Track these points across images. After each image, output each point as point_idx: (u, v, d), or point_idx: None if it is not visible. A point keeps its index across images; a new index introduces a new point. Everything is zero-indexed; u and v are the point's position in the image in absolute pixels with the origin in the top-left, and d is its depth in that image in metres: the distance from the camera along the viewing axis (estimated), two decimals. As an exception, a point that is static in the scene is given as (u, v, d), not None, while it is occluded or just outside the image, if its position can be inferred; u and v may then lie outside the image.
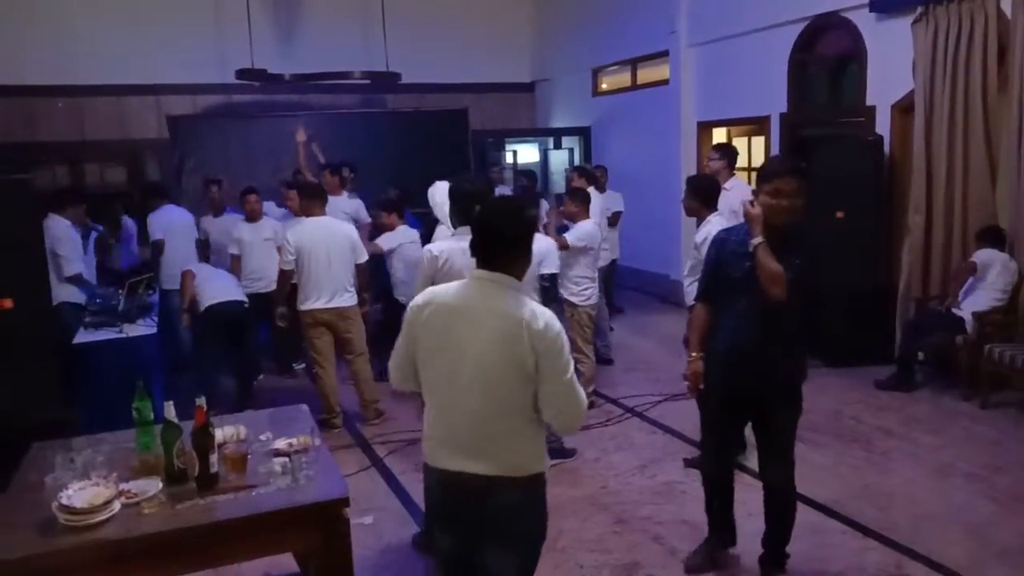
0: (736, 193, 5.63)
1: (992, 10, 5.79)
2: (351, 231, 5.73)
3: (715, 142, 8.44)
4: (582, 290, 5.72)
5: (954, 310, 5.90)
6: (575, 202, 5.85)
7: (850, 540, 3.93)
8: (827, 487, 4.45)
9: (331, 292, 5.53)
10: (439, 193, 5.25)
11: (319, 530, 2.74)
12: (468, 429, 2.40)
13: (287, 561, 3.52)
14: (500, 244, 2.39)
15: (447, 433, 2.45)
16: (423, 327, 2.45)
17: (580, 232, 5.68)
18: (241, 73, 9.63)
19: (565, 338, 2.36)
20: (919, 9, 6.23)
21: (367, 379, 5.80)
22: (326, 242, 5.51)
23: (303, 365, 6.96)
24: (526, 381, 2.33)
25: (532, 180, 9.51)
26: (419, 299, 2.52)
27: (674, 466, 4.84)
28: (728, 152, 5.98)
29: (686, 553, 3.74)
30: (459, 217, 3.85)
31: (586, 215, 5.82)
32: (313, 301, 5.52)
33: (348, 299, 5.61)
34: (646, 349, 7.63)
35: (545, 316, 2.33)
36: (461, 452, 2.42)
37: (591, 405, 5.79)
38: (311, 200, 5.68)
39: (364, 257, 5.74)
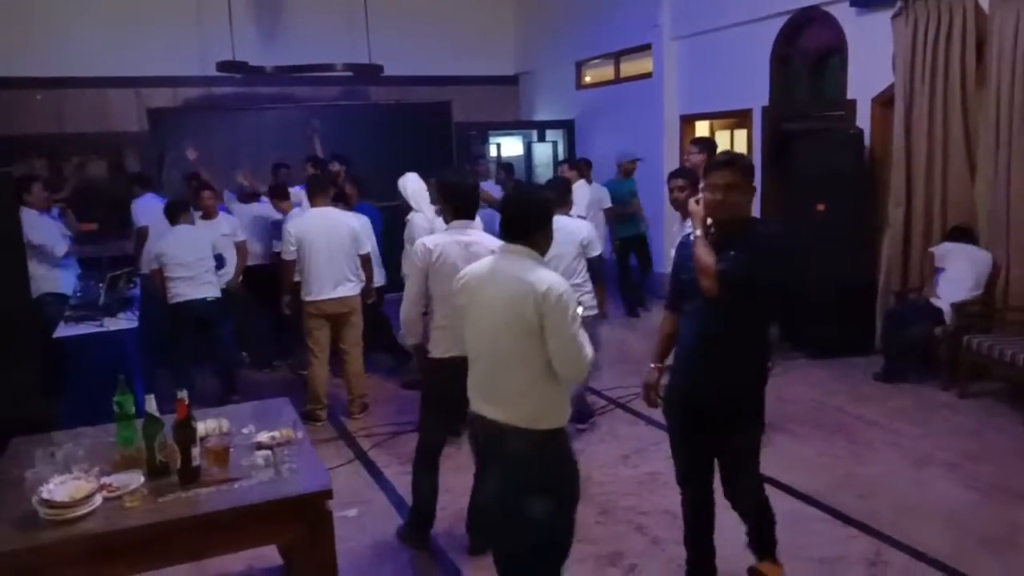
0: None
1: (970, 4, 5.84)
2: (352, 221, 5.68)
3: (696, 135, 8.47)
4: None
5: (932, 301, 5.96)
6: None
7: (832, 529, 3.97)
8: (809, 477, 4.49)
9: (334, 282, 5.51)
10: (410, 184, 5.27)
11: (302, 523, 2.74)
12: (486, 378, 2.76)
13: (270, 553, 3.52)
14: (524, 223, 2.76)
15: (475, 381, 2.82)
16: (458, 294, 2.87)
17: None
18: (222, 65, 9.54)
19: (568, 298, 2.60)
20: (899, 3, 6.28)
21: (358, 372, 5.79)
22: (326, 233, 5.49)
23: (289, 362, 6.94)
24: (533, 338, 2.60)
25: (510, 172, 9.60)
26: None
27: (657, 456, 4.85)
28: (708, 146, 6.00)
29: (669, 543, 3.75)
30: (452, 211, 3.78)
31: None
32: (316, 293, 5.51)
33: (351, 288, 5.61)
34: (630, 342, 7.65)
35: (550, 281, 2.61)
36: (482, 397, 2.78)
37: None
38: (314, 192, 5.71)
39: (366, 248, 5.71)
